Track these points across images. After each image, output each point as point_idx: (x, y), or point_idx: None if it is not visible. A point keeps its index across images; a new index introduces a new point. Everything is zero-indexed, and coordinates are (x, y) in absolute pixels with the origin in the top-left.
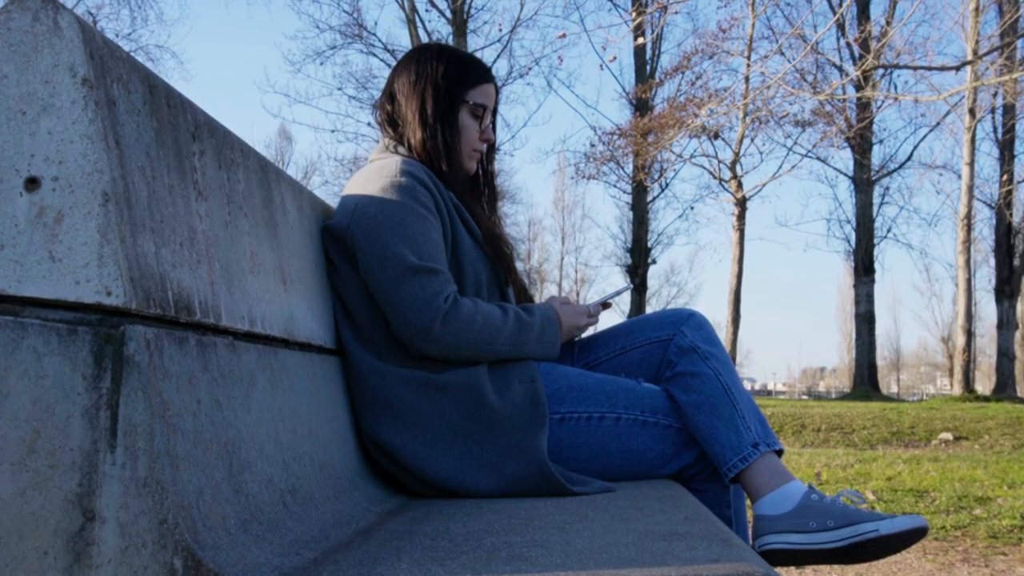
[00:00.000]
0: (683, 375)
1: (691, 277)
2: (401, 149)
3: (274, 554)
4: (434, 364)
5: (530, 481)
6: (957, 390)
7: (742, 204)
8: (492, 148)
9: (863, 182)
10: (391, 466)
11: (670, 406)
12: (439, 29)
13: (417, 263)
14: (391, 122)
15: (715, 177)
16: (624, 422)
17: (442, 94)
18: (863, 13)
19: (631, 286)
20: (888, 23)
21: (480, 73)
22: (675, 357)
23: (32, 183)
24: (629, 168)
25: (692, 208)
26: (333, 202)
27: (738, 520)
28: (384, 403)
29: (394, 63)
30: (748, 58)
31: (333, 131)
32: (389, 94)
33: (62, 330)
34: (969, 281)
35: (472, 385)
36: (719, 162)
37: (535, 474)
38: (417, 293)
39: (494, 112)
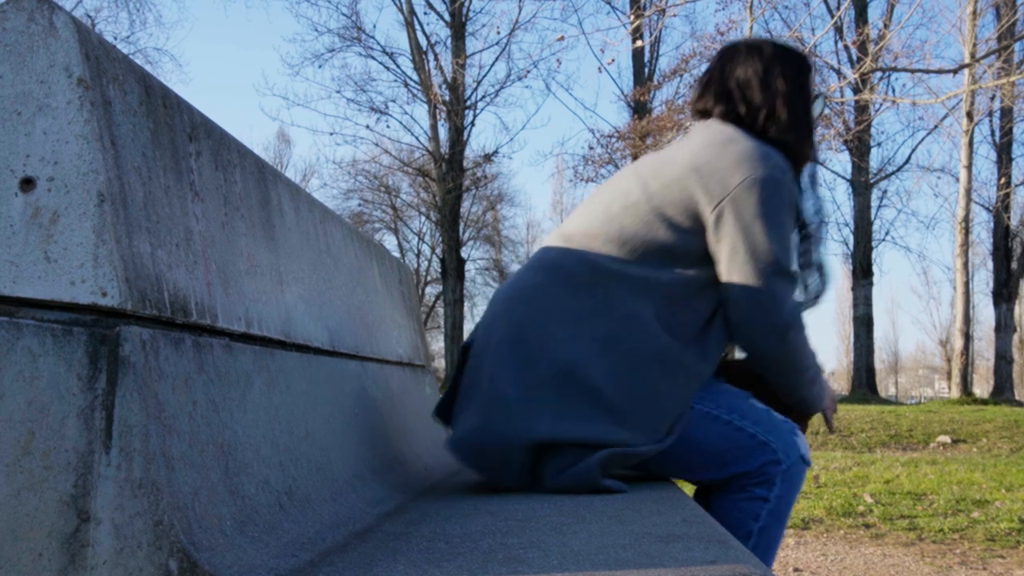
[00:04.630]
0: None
1: None
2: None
3: (270, 556)
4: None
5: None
6: (955, 393)
7: None
8: None
9: (861, 185)
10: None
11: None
12: (437, 32)
13: (786, 267)
14: (733, 115)
15: None
16: (721, 421)
17: (806, 88)
18: (861, 16)
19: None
20: (886, 26)
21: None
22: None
23: (27, 183)
24: None
25: None
26: (332, 204)
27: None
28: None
29: (396, 66)
30: None
31: (332, 134)
32: (736, 85)
33: (57, 331)
34: (967, 284)
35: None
36: None
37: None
38: (784, 295)
39: None
